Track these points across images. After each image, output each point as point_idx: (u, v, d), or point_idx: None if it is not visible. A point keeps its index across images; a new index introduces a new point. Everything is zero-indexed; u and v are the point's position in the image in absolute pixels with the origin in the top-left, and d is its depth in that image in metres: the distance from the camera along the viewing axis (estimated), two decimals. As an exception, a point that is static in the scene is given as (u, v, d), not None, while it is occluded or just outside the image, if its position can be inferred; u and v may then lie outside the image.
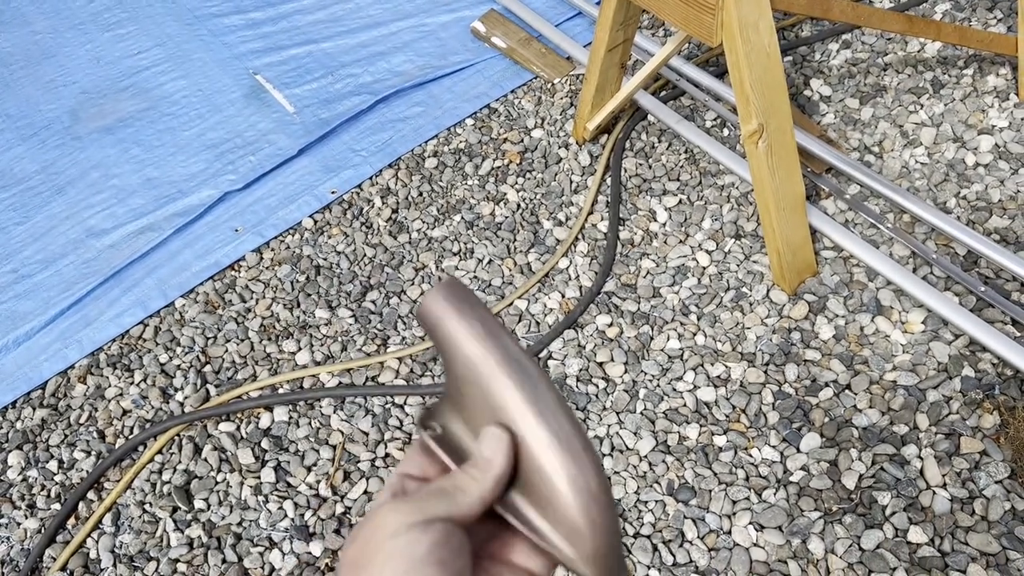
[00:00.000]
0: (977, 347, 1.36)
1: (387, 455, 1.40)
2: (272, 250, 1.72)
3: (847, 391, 1.35)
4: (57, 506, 1.42)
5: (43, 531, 1.38)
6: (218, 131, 1.95)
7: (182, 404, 1.51)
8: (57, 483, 1.44)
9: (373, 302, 1.60)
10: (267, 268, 1.69)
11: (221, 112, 1.99)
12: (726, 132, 1.75)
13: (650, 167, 1.72)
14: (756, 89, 1.26)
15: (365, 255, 1.68)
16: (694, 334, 1.46)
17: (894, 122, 1.69)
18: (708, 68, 1.84)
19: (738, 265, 1.53)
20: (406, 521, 0.34)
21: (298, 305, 1.62)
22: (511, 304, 1.55)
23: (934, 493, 1.23)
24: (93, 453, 1.47)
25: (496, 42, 2.00)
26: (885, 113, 1.71)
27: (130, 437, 1.48)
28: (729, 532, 1.25)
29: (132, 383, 1.55)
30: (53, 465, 1.46)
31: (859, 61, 1.82)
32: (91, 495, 1.42)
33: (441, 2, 2.19)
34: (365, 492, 1.36)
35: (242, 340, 1.58)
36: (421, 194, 1.76)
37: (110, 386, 1.55)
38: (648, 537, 1.26)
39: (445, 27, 2.11)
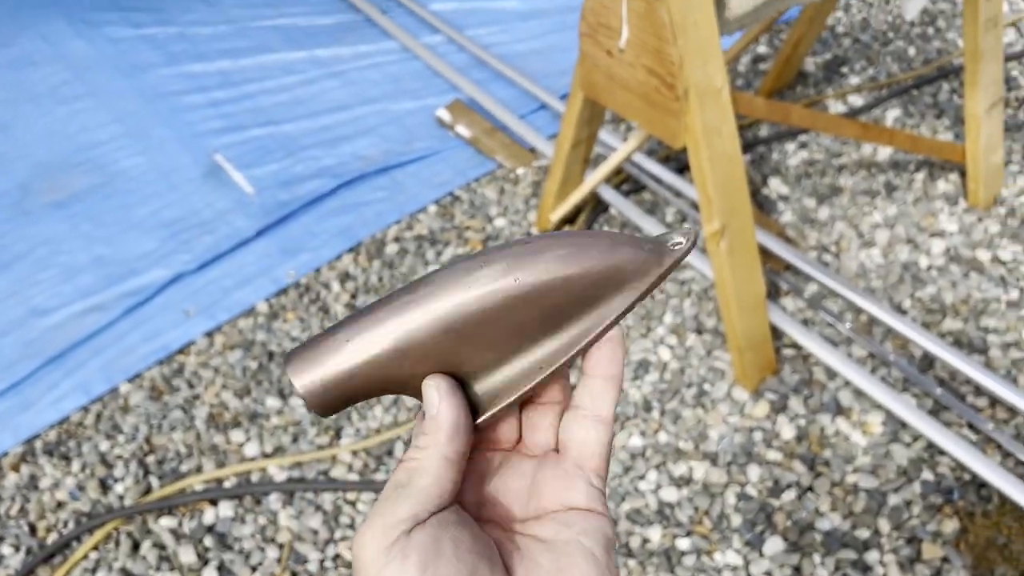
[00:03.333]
0: (935, 450, 1.36)
1: (337, 555, 1.33)
2: (224, 334, 1.67)
3: (809, 493, 1.34)
4: (-22, 607, 1.32)
5: (-39, 635, 1.29)
6: (174, 210, 1.91)
7: (121, 497, 1.43)
8: (-20, 582, 1.35)
9: (328, 391, 1.56)
10: (218, 353, 1.64)
11: (178, 190, 1.95)
12: (686, 227, 1.77)
13: (611, 259, 1.72)
14: (718, 192, 1.27)
15: (321, 342, 1.64)
16: (656, 431, 1.44)
17: (850, 222, 1.73)
18: (668, 164, 1.87)
19: (699, 360, 1.52)
20: (382, 546, 0.30)
21: (249, 393, 1.56)
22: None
23: (897, 602, 1.22)
24: (23, 548, 1.38)
25: (460, 131, 2.02)
26: (841, 214, 1.75)
27: (64, 531, 1.39)
28: (692, 642, 1.21)
29: (69, 473, 1.47)
30: (-23, 561, 1.37)
31: (815, 162, 1.87)
32: (16, 595, 1.33)
33: (406, 89, 2.20)
34: (313, 595, 1.29)
35: (188, 429, 1.52)
36: (381, 279, 1.74)
37: (45, 475, 1.47)
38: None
39: (410, 114, 2.12)
